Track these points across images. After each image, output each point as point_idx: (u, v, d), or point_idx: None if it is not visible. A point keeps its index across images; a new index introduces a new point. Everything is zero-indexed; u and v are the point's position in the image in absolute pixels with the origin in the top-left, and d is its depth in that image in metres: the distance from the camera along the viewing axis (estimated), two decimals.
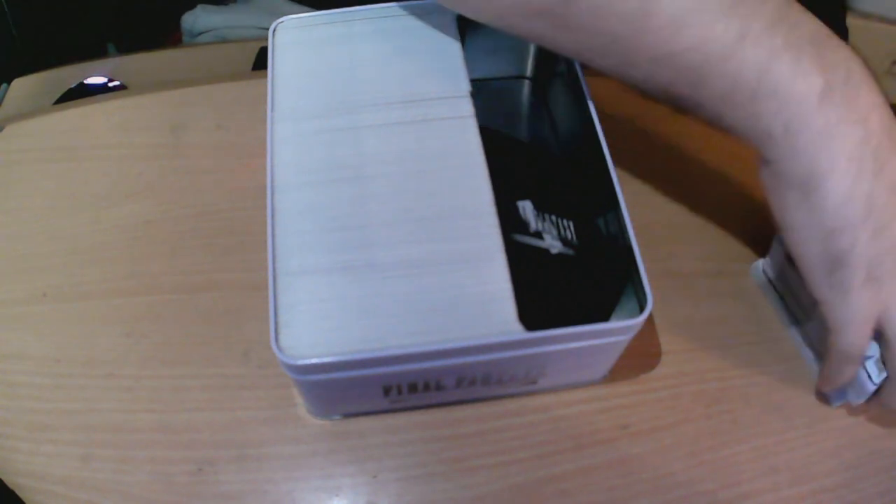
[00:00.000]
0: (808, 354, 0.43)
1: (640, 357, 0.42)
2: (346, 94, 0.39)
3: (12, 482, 0.37)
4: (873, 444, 0.40)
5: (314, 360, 0.31)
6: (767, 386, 0.42)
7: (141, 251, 0.44)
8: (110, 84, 0.61)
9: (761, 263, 0.46)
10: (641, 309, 0.34)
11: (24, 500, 0.36)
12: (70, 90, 0.60)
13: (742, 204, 0.49)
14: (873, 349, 0.37)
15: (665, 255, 0.46)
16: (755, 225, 0.43)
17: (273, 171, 0.36)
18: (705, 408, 0.41)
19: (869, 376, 0.38)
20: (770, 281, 0.45)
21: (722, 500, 0.38)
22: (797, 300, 0.42)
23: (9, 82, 0.63)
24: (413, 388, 0.35)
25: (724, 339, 0.43)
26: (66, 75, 0.61)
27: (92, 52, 0.79)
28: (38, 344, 0.41)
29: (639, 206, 0.48)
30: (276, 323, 0.32)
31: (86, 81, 0.61)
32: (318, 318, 0.32)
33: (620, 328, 0.33)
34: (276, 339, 0.31)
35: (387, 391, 0.35)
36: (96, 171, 0.48)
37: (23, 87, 0.62)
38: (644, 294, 0.33)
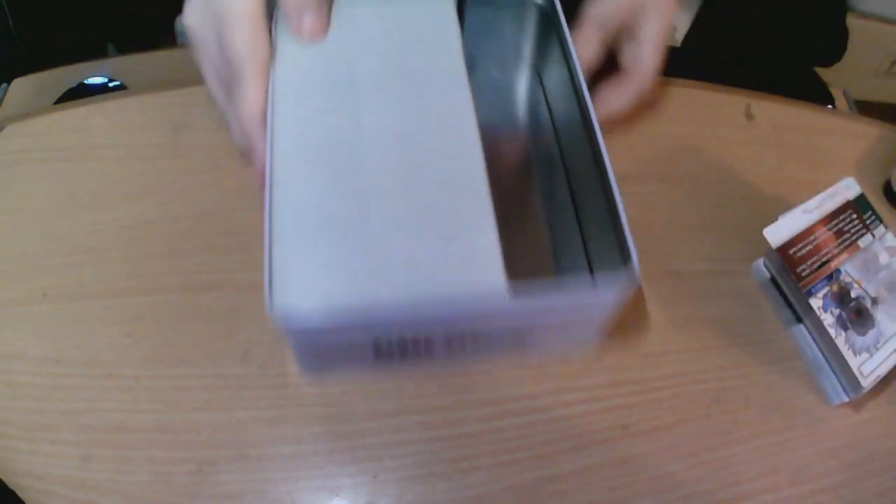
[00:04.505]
0: (808, 354, 0.43)
1: (641, 357, 0.42)
2: (343, 68, 0.39)
3: (12, 482, 0.37)
4: (873, 444, 0.40)
5: (308, 317, 0.31)
6: (767, 386, 0.42)
7: (141, 251, 0.44)
8: (110, 84, 0.61)
9: (762, 262, 0.46)
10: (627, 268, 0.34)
11: (24, 500, 0.36)
12: (70, 90, 0.60)
13: (742, 204, 0.49)
14: (868, 344, 0.38)
15: (665, 255, 0.46)
16: (755, 225, 0.43)
17: (273, 136, 0.36)
18: (705, 408, 0.41)
19: (861, 372, 0.39)
20: (772, 277, 0.45)
21: (722, 500, 0.38)
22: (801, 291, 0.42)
23: (9, 82, 0.63)
24: (403, 347, 0.35)
25: (724, 339, 0.43)
26: (66, 75, 0.61)
27: (92, 52, 0.79)
28: (38, 344, 0.41)
29: (639, 206, 0.48)
30: (270, 282, 0.32)
31: (86, 81, 0.61)
32: (312, 277, 0.33)
33: (606, 286, 0.34)
34: (270, 298, 0.31)
35: (377, 350, 0.35)
36: (96, 171, 0.48)
37: (23, 87, 0.62)
38: (628, 252, 0.33)
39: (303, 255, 0.33)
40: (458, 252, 0.33)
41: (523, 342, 0.38)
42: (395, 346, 0.35)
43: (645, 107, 0.54)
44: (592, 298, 0.34)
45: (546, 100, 0.48)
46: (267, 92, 0.37)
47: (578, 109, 0.40)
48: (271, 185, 0.35)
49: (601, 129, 0.37)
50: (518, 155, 0.48)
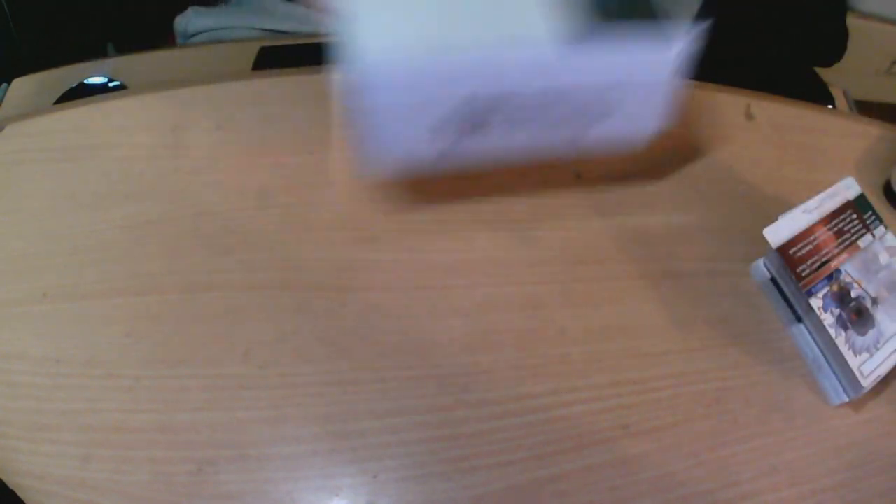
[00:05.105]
0: (808, 354, 0.43)
1: (640, 357, 0.42)
2: None
3: (12, 482, 0.37)
4: (873, 444, 0.40)
5: (385, 63, 0.34)
6: (767, 386, 0.42)
7: (141, 251, 0.44)
8: (110, 84, 0.61)
9: (762, 262, 0.46)
10: None
11: (24, 500, 0.36)
12: (70, 90, 0.60)
13: (742, 204, 0.49)
14: (868, 344, 0.38)
15: (665, 255, 0.46)
16: (755, 225, 0.43)
17: None
18: (705, 408, 0.41)
19: (861, 372, 0.39)
20: (772, 277, 0.45)
21: (722, 500, 0.38)
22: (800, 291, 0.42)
23: (9, 82, 0.63)
24: (464, 120, 0.37)
25: (724, 339, 0.43)
26: (66, 75, 0.61)
27: (92, 52, 0.79)
28: (38, 344, 0.41)
29: (639, 207, 0.48)
30: (351, 37, 0.34)
31: (86, 81, 0.61)
32: (386, 32, 0.35)
33: (667, 35, 0.35)
34: (352, 51, 0.34)
35: (436, 127, 0.37)
36: (96, 171, 0.48)
37: (23, 87, 0.62)
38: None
39: (376, 15, 0.36)
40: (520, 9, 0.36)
41: (579, 123, 0.39)
42: (454, 121, 0.37)
43: None
44: (655, 47, 0.36)
45: None
46: None
47: None
48: None
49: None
50: None
